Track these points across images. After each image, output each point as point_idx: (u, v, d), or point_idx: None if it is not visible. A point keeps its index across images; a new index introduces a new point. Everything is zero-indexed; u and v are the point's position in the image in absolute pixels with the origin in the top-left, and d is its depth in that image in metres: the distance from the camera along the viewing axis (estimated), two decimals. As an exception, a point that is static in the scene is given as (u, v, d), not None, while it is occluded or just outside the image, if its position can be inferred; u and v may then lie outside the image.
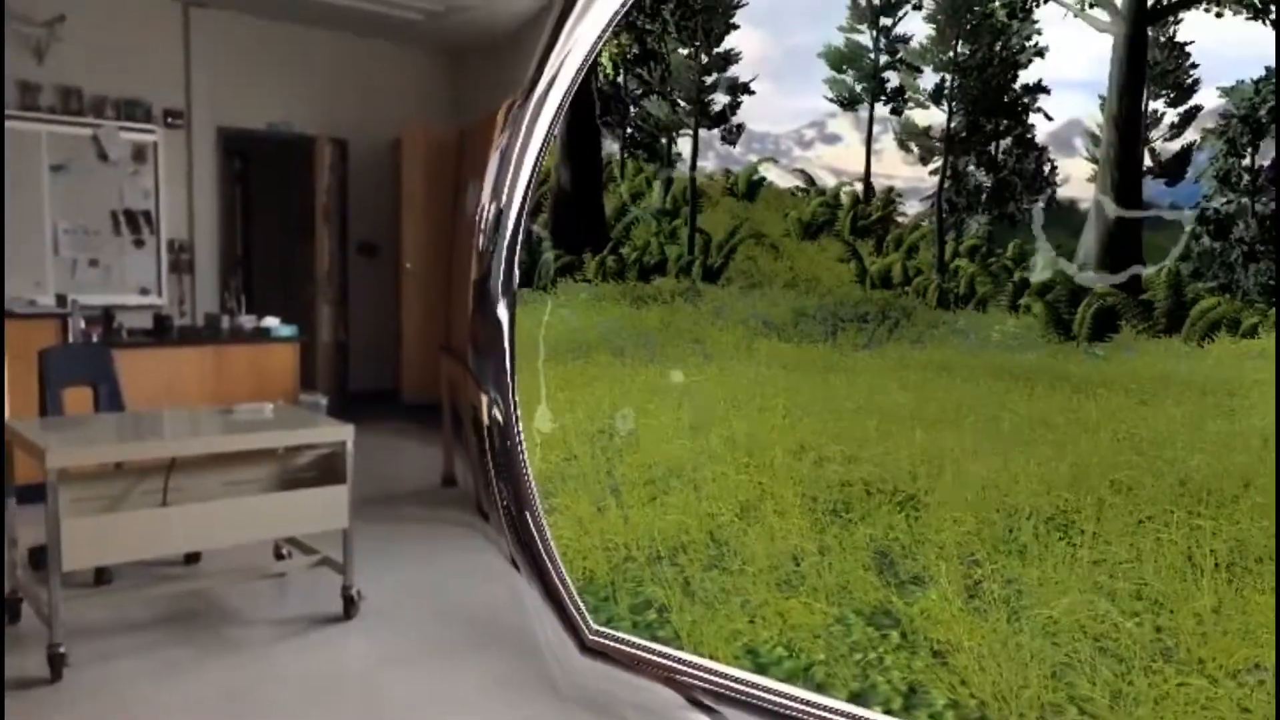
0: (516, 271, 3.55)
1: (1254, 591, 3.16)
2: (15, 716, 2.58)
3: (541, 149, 3.41)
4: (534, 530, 3.31)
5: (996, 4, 7.65)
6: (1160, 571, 3.26)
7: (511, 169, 3.40)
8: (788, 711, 2.63)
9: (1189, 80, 7.93)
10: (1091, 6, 7.16)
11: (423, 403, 5.80)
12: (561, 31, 3.34)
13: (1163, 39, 7.82)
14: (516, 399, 3.35)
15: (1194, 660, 2.87)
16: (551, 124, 3.38)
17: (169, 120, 5.66)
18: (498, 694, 2.73)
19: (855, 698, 2.90)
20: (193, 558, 3.72)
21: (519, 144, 3.41)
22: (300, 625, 3.27)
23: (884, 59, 8.68)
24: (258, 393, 3.84)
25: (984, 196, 8.43)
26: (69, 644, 2.81)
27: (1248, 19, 6.79)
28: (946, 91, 7.98)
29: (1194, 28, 7.48)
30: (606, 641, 3.21)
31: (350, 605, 3.28)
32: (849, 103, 8.86)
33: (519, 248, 3.54)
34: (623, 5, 3.19)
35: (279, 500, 3.26)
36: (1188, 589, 3.16)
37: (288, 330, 5.00)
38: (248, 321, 5.00)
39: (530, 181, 3.44)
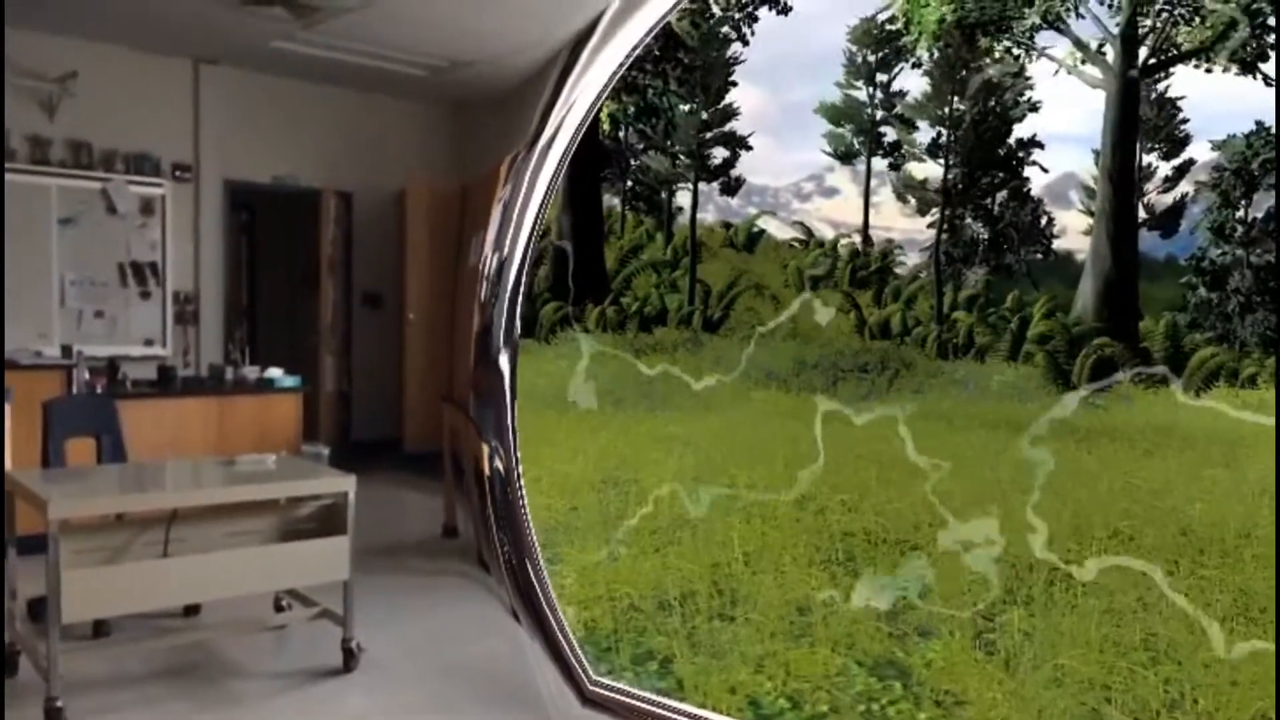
0: (518, 323, 3.59)
1: (1259, 640, 3.14)
2: (10, 772, 2.55)
3: (544, 202, 3.47)
4: (535, 581, 3.30)
5: (989, 61, 7.81)
6: (1167, 621, 3.24)
7: (514, 221, 3.45)
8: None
9: (1181, 134, 8.06)
10: (1084, 63, 7.30)
11: (425, 452, 5.80)
12: (564, 87, 3.42)
13: (1154, 94, 7.96)
14: (518, 449, 3.36)
15: (1201, 712, 2.85)
16: (554, 178, 3.44)
17: (177, 174, 5.75)
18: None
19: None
20: (192, 609, 3.69)
21: (521, 197, 3.47)
22: (300, 678, 3.23)
23: (880, 114, 8.84)
24: (260, 443, 3.84)
25: (981, 248, 8.52)
26: (66, 698, 2.78)
27: (1237, 74, 6.93)
28: (943, 146, 8.12)
29: (1185, 83, 7.63)
30: (607, 692, 3.18)
31: (350, 658, 3.25)
32: (847, 156, 9.01)
33: (520, 299, 3.58)
34: (622, 64, 3.27)
35: (280, 552, 3.25)
36: (1195, 639, 3.13)
37: (291, 381, 5.01)
38: (251, 372, 5.01)
39: (532, 234, 3.49)
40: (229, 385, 4.95)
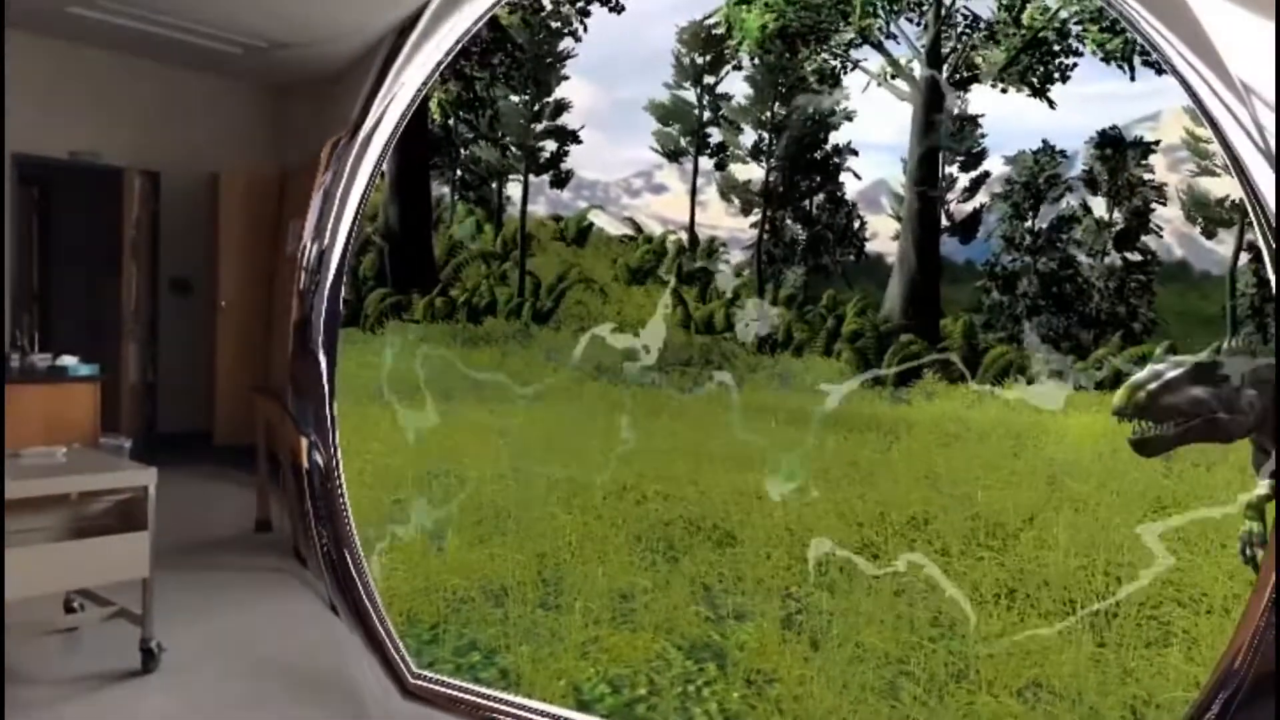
0: (339, 311, 3.51)
1: (1034, 616, 3.46)
2: None
3: (366, 190, 3.41)
4: (355, 574, 3.24)
5: (808, 69, 8.18)
6: (953, 602, 3.50)
7: (335, 208, 3.37)
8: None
9: (978, 148, 8.69)
10: (893, 77, 7.77)
11: (236, 445, 5.57)
12: (388, 75, 3.37)
13: (955, 110, 8.54)
14: (337, 442, 3.29)
15: (983, 681, 3.11)
16: (376, 166, 3.39)
17: (-46, 144, 5.26)
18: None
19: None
20: (-32, 614, 3.42)
21: (343, 185, 3.39)
22: (93, 682, 3.07)
23: (707, 115, 9.09)
24: (51, 435, 3.58)
25: (800, 249, 8.91)
26: None
27: (1028, 96, 7.55)
28: (765, 148, 8.44)
29: (982, 100, 8.22)
30: (429, 685, 3.16)
31: (150, 659, 3.11)
32: (674, 155, 9.21)
33: (342, 288, 3.51)
34: (449, 53, 3.26)
35: (72, 549, 3.06)
36: (977, 616, 3.41)
37: (87, 369, 4.69)
38: (41, 360, 4.66)
39: (355, 222, 3.43)
40: (15, 374, 4.59)
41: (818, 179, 8.67)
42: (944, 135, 8.07)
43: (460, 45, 3.14)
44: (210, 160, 6.12)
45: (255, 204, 5.93)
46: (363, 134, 3.40)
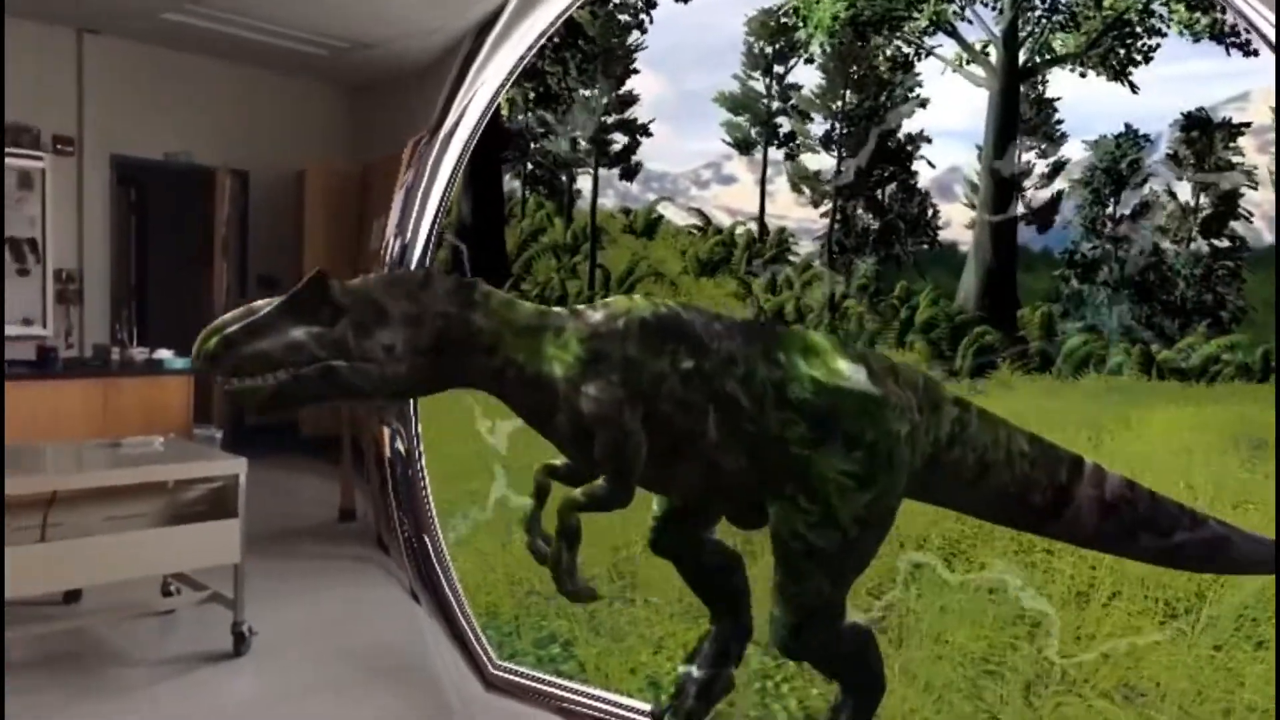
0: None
1: (1120, 616, 3.36)
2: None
3: (447, 187, 3.46)
4: (436, 563, 3.30)
5: (880, 58, 8.05)
6: (1052, 598, 3.42)
7: (417, 205, 3.43)
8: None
9: (1057, 134, 8.46)
10: (968, 63, 7.61)
11: (322, 436, 5.70)
12: (468, 73, 3.40)
13: (1033, 95, 8.33)
14: (419, 432, 3.34)
15: (1070, 681, 3.04)
16: (457, 164, 3.43)
17: (58, 147, 5.48)
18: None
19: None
20: (73, 595, 3.57)
21: (424, 182, 3.45)
22: (187, 664, 3.17)
23: (776, 105, 9.02)
24: (149, 426, 3.71)
25: (871, 239, 8.79)
26: (-63, 690, 2.68)
27: (1108, 80, 7.33)
28: (836, 138, 8.34)
29: (1060, 85, 8.00)
30: (510, 676, 3.20)
31: (241, 642, 3.21)
32: (744, 146, 9.15)
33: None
34: (528, 50, 3.28)
35: (167, 535, 3.17)
36: (1069, 614, 3.33)
37: (182, 363, 4.84)
38: (140, 353, 4.83)
39: (435, 219, 3.48)
40: (115, 367, 4.76)
41: (890, 168, 8.56)
42: (1021, 120, 7.88)
43: (540, 42, 3.16)
44: (296, 159, 6.26)
45: (339, 201, 6.06)
46: (443, 132, 3.44)
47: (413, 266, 3.59)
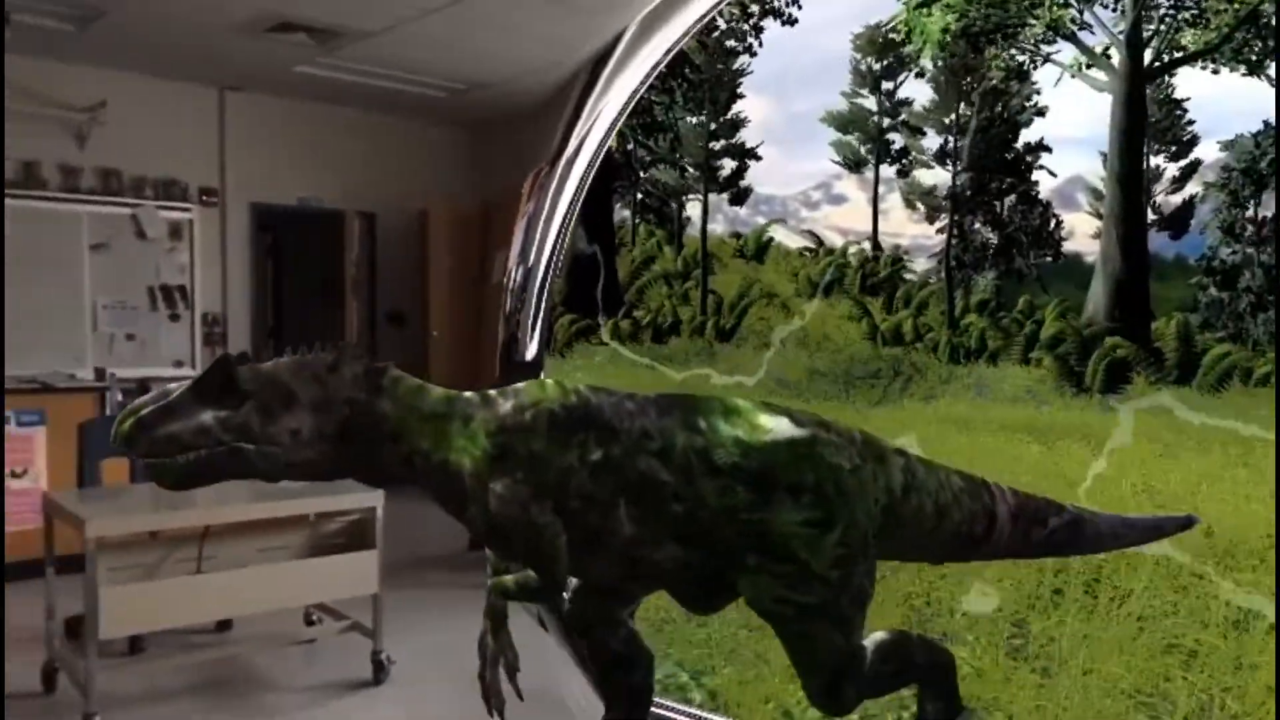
0: (542, 334, 3.62)
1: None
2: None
3: (566, 216, 3.52)
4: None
5: (993, 68, 7.84)
6: (1206, 626, 3.23)
7: (538, 236, 3.50)
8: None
9: (1187, 135, 8.07)
10: (1088, 67, 7.34)
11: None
12: (584, 107, 3.46)
13: (1160, 96, 7.97)
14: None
15: (1229, 716, 2.85)
16: (577, 191, 3.49)
17: (204, 198, 5.83)
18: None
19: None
20: (224, 624, 3.73)
21: (545, 213, 3.52)
22: (331, 690, 3.27)
23: (887, 121, 8.88)
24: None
25: (990, 253, 8.53)
26: (104, 713, 2.83)
27: (1243, 75, 6.96)
28: (950, 152, 8.15)
29: (1190, 84, 7.64)
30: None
31: (380, 670, 3.29)
32: (854, 164, 9.04)
33: (544, 311, 3.62)
34: (642, 83, 3.32)
35: (310, 566, 3.29)
36: (1227, 645, 3.13)
37: (317, 399, 5.06)
38: (278, 389, 5.06)
39: (555, 248, 3.54)
40: (254, 402, 5.00)
41: (1009, 179, 8.31)
42: (1148, 123, 7.55)
43: (654, 74, 3.21)
44: (419, 199, 6.50)
45: (461, 238, 6.25)
46: (562, 163, 3.51)
47: (534, 294, 3.65)
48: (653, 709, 2.90)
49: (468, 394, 1.66)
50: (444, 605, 3.83)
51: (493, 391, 1.67)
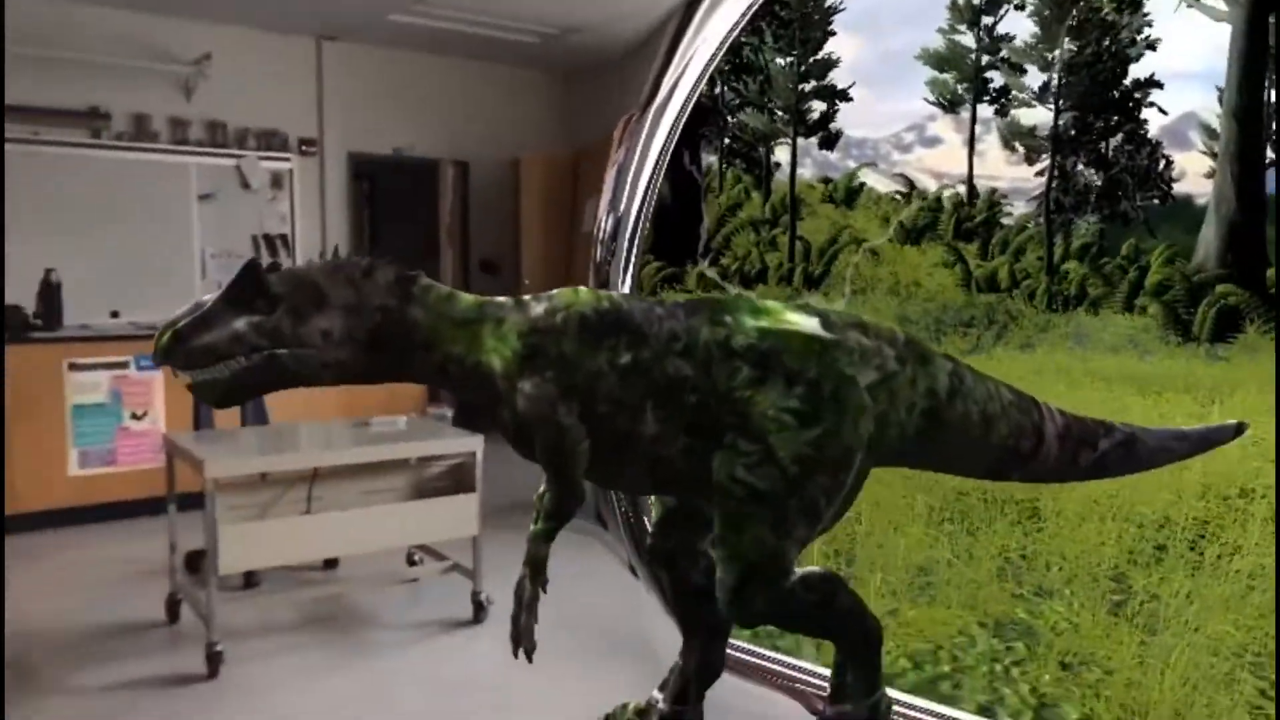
0: (633, 282, 3.62)
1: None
2: (179, 710, 2.74)
3: (658, 162, 3.48)
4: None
5: (1105, -1, 7.44)
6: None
7: (629, 182, 3.47)
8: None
9: (1314, 67, 7.56)
10: (1207, -5, 6.91)
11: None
12: (676, 51, 3.41)
13: (1285, 26, 7.47)
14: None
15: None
16: (668, 138, 3.45)
17: (303, 149, 5.94)
18: (623, 698, 2.76)
19: (983, 711, 2.86)
20: (331, 563, 3.90)
21: (636, 158, 3.49)
22: (432, 628, 3.39)
23: (986, 59, 8.53)
24: (389, 406, 3.98)
25: (1094, 195, 8.18)
26: (224, 643, 2.99)
27: (1377, 0, 6.47)
28: (1053, 90, 7.80)
29: (1319, 12, 7.14)
30: (728, 651, 3.23)
31: (480, 610, 3.39)
32: (950, 104, 8.72)
33: (634, 259, 3.61)
34: (735, 25, 3.24)
35: (412, 509, 3.40)
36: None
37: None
38: (377, 338, 5.19)
39: (645, 196, 3.51)
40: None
41: (1115, 118, 7.91)
42: (1270, 54, 7.09)
43: (748, 15, 3.12)
44: (512, 147, 6.53)
45: (552, 186, 6.27)
46: (653, 109, 3.47)
47: (625, 242, 3.64)
48: (741, 655, 2.94)
49: (500, 299, 1.68)
50: (539, 549, 3.93)
51: (527, 297, 1.69)
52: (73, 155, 5.15)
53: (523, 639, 1.67)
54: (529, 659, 1.63)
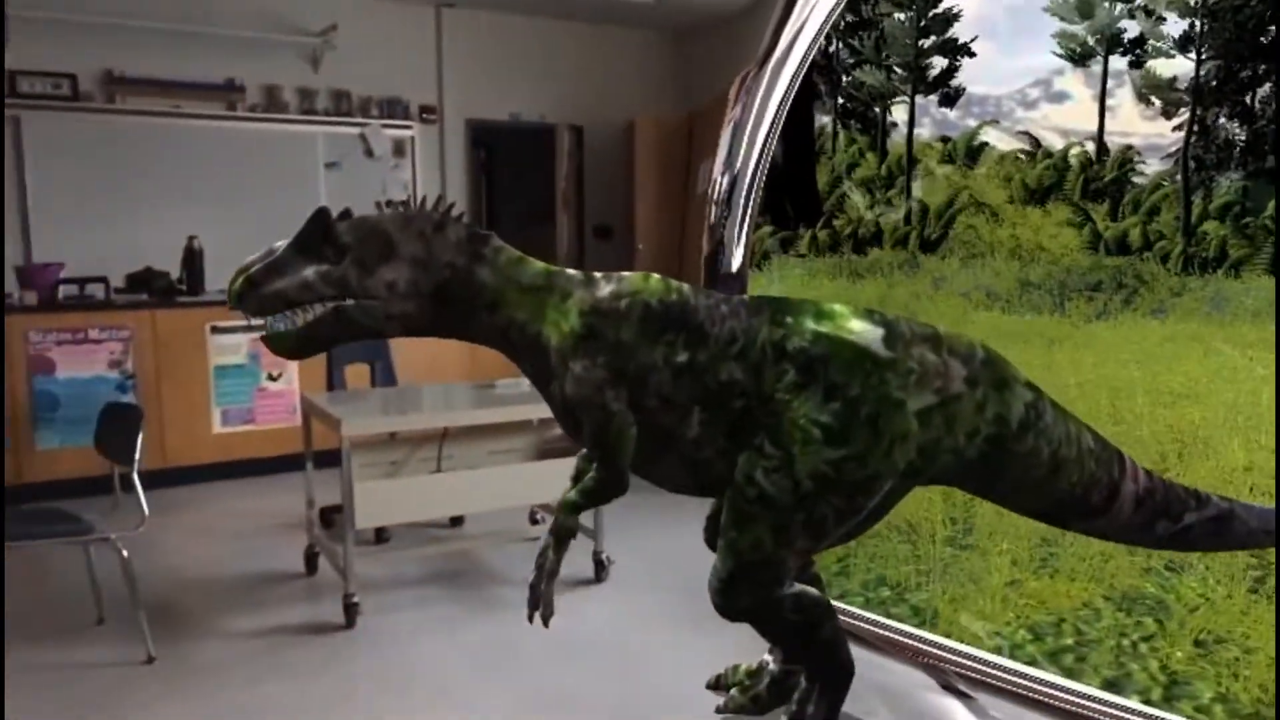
0: (748, 244, 3.58)
1: None
2: (319, 657, 2.89)
3: (775, 119, 3.42)
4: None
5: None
6: None
7: (745, 141, 3.43)
8: (1041, 698, 2.57)
9: None
10: (1374, -70, 6.37)
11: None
12: (795, 3, 3.34)
13: None
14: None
15: None
16: (786, 93, 3.38)
17: (424, 116, 6.07)
18: (735, 660, 2.77)
19: (1109, 685, 2.78)
20: (457, 520, 4.03)
21: (753, 115, 3.44)
22: (554, 586, 3.47)
23: (1120, 7, 8.07)
24: (508, 369, 4.07)
25: (1237, 151, 7.69)
26: (359, 594, 3.13)
27: None
28: (1194, 37, 7.33)
29: None
30: (841, 618, 3.21)
31: (600, 569, 3.47)
32: (1080, 57, 8.29)
33: (749, 220, 3.57)
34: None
35: (537, 469, 3.48)
36: None
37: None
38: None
39: (762, 154, 3.46)
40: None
41: (1263, 67, 7.41)
42: None
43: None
44: (625, 110, 6.53)
45: (666, 148, 6.24)
46: (771, 65, 3.41)
47: (741, 201, 3.60)
48: (861, 621, 2.92)
49: (570, 271, 1.66)
50: (660, 511, 3.95)
51: (597, 274, 1.67)
52: (210, 128, 5.39)
53: (542, 607, 1.68)
54: (545, 624, 1.63)
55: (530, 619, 1.63)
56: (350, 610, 3.08)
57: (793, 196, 8.03)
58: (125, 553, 2.84)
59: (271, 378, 4.96)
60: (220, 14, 5.38)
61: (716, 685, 2.28)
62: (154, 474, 3.93)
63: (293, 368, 4.97)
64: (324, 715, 2.53)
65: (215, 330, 4.79)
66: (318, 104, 5.73)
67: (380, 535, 3.82)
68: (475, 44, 6.17)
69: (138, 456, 2.81)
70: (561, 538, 1.70)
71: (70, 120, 5.06)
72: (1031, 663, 2.79)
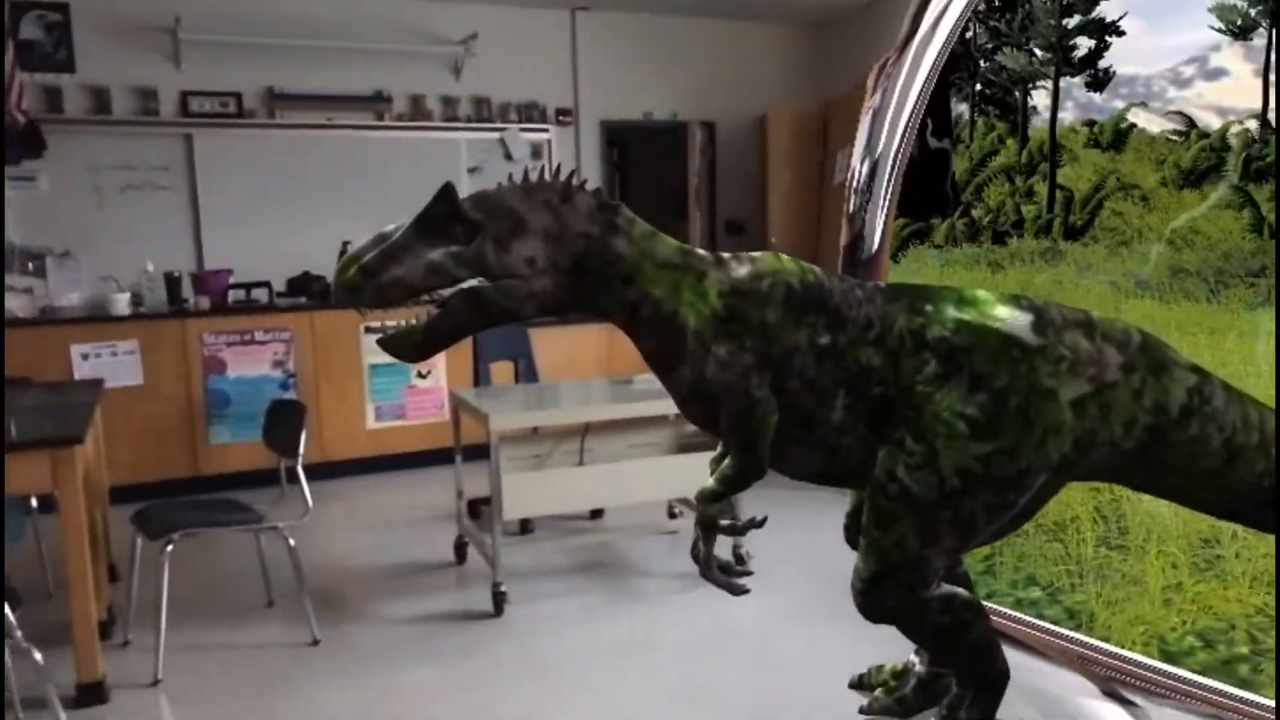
0: (886, 232, 3.52)
1: None
2: (470, 643, 2.99)
3: (917, 104, 3.35)
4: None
5: None
6: None
7: (885, 128, 3.38)
8: (1213, 709, 2.45)
9: None
10: None
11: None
12: (933, -6, 3.26)
13: None
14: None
15: None
16: (928, 78, 3.31)
17: (560, 119, 6.20)
18: (878, 659, 2.72)
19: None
20: (597, 513, 4.11)
21: (893, 101, 3.38)
22: (692, 580, 3.47)
23: (1287, -26, 7.51)
24: (644, 366, 4.12)
25: None
26: (506, 583, 3.23)
27: None
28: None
29: None
30: (991, 619, 3.12)
31: (740, 563, 3.45)
32: (1240, 31, 7.77)
33: (890, 207, 3.51)
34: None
35: (675, 463, 3.51)
36: None
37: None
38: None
39: (902, 140, 3.40)
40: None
41: None
42: None
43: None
44: (758, 104, 6.50)
45: (799, 141, 6.18)
46: (912, 49, 3.35)
47: (883, 189, 3.54)
48: (1016, 624, 2.83)
49: (700, 250, 1.63)
50: (798, 507, 3.94)
51: (726, 255, 1.63)
52: (360, 138, 5.65)
53: (727, 589, 1.70)
54: (744, 592, 1.74)
55: (736, 594, 1.74)
56: (498, 598, 3.18)
57: (929, 186, 7.81)
58: (292, 541, 3.00)
59: (420, 375, 5.17)
60: (368, 29, 5.63)
61: (860, 685, 2.25)
62: (312, 467, 4.12)
63: (440, 365, 5.17)
64: (474, 698, 2.62)
65: (368, 330, 5.02)
66: (460, 111, 5.92)
67: (525, 527, 3.93)
68: (608, 45, 6.25)
69: (301, 450, 2.95)
70: (707, 526, 1.73)
71: (236, 136, 5.40)
72: (1202, 672, 2.65)
